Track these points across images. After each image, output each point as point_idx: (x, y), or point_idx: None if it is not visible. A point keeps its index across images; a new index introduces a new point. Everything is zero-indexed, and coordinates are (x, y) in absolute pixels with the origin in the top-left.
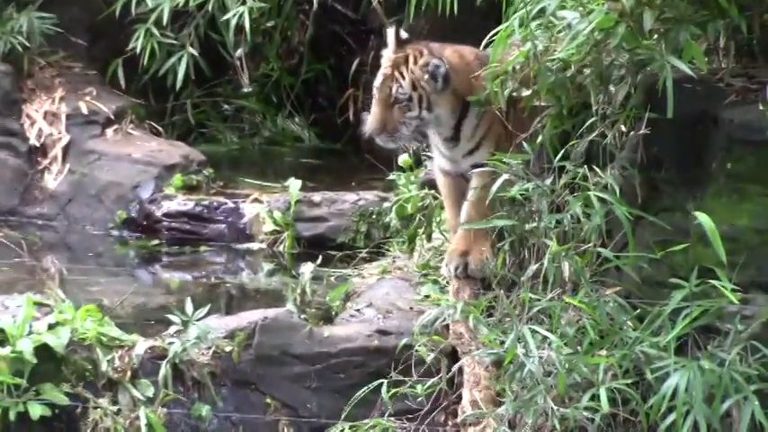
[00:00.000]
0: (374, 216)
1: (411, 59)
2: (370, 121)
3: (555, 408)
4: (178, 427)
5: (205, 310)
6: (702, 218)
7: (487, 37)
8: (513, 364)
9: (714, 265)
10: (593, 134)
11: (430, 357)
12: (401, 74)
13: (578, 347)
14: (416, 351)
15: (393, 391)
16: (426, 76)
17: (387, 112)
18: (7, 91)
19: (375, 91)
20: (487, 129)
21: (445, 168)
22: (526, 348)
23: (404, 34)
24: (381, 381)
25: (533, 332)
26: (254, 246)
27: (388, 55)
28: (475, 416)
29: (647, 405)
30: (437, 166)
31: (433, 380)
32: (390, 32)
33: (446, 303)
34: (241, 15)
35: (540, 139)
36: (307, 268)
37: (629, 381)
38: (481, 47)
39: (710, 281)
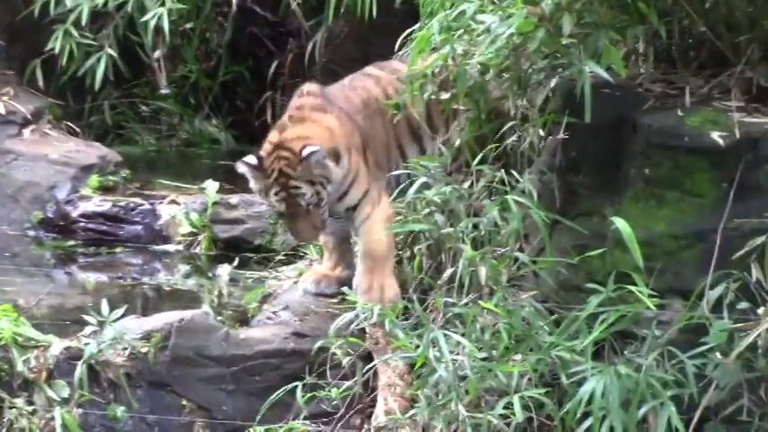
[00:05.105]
0: None
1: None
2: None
3: (467, 414)
4: (93, 427)
5: (121, 311)
6: (620, 223)
7: (400, 38)
8: (426, 368)
9: (631, 270)
10: (512, 138)
11: (346, 361)
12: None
13: (493, 352)
14: (333, 354)
15: (308, 394)
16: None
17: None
18: None
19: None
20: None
21: None
22: (440, 353)
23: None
24: (297, 383)
25: (447, 337)
26: (171, 247)
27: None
28: (389, 421)
29: (563, 410)
30: None
31: (348, 383)
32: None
33: (362, 307)
34: (160, 17)
35: (457, 142)
36: (223, 270)
37: (545, 389)
38: (396, 47)
39: (627, 286)
